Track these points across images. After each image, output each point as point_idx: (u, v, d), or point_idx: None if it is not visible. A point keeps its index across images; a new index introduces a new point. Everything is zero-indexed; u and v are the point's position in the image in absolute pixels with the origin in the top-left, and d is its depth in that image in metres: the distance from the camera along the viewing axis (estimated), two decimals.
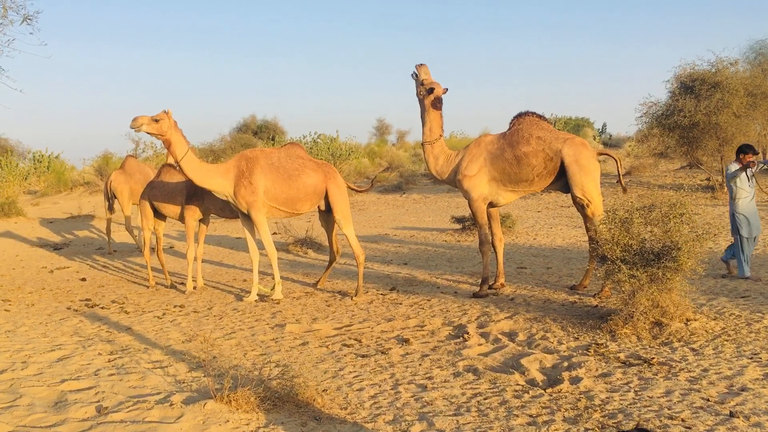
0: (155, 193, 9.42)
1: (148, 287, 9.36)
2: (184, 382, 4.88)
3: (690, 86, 15.79)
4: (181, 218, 9.30)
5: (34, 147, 35.09)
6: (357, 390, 4.79)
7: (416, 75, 8.19)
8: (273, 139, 33.84)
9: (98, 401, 4.42)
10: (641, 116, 16.84)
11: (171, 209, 9.36)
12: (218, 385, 4.59)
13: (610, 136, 36.60)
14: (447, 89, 8.18)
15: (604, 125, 39.94)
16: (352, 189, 9.30)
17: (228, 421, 4.04)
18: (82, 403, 4.38)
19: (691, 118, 15.41)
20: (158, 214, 9.61)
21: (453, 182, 8.26)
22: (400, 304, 7.66)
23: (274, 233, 14.09)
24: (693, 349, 5.35)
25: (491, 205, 8.18)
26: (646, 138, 19.50)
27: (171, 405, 4.27)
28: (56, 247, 13.85)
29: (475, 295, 7.87)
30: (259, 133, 36.87)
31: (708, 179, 17.81)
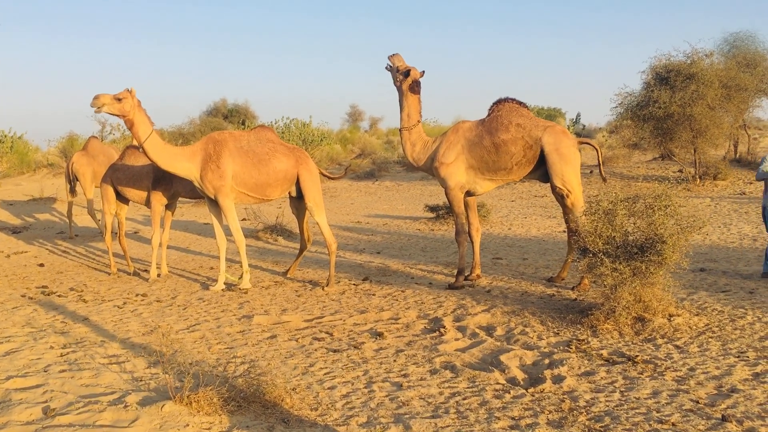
0: (119, 176, 8.97)
1: (109, 274, 8.94)
2: (141, 380, 4.53)
3: (665, 77, 15.71)
4: (147, 203, 8.88)
5: None
6: (328, 388, 4.50)
7: (390, 66, 7.88)
8: (243, 124, 33.25)
9: (46, 402, 4.05)
10: (616, 106, 16.73)
11: (136, 193, 8.93)
12: (179, 383, 4.26)
13: (584, 126, 36.64)
14: (424, 72, 7.89)
15: (578, 115, 40.02)
16: (325, 176, 8.97)
17: (188, 425, 3.72)
18: (28, 404, 4.01)
19: (666, 109, 15.34)
20: (121, 198, 9.18)
21: (430, 170, 7.99)
22: (373, 295, 7.38)
23: (244, 219, 13.70)
24: (677, 347, 5.15)
25: (468, 194, 7.93)
26: (619, 129, 19.48)
27: (125, 406, 3.92)
28: (15, 231, 13.29)
29: (451, 287, 7.62)
30: (230, 117, 36.16)
31: (681, 171, 17.82)
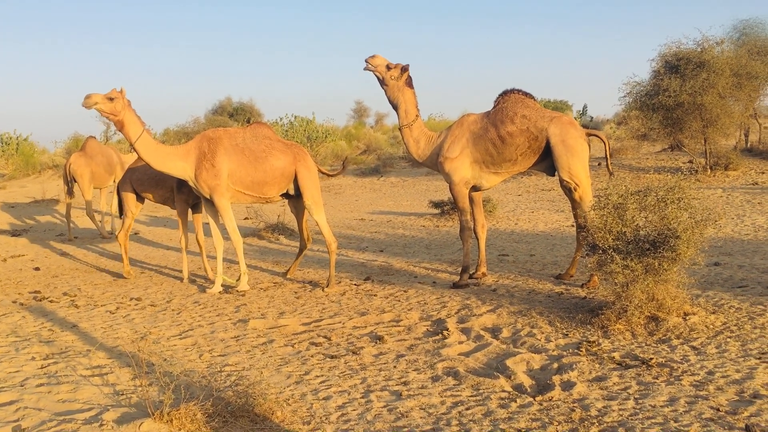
0: (140, 177, 8.63)
1: (125, 278, 8.65)
2: (123, 394, 4.27)
3: (675, 65, 15.32)
4: (172, 203, 8.59)
5: (1, 128, 33.89)
6: (323, 399, 4.23)
7: (372, 67, 7.52)
8: (249, 122, 32.99)
9: (17, 420, 3.78)
10: (624, 96, 16.37)
11: (159, 195, 8.62)
12: (163, 396, 4.00)
13: (591, 118, 36.19)
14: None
15: (585, 107, 39.57)
16: (324, 173, 8.70)
17: None
18: None
19: (676, 98, 14.97)
20: (139, 199, 8.86)
21: (434, 165, 7.71)
22: (375, 295, 7.12)
23: (246, 218, 13.46)
24: (694, 348, 4.86)
25: (474, 188, 7.65)
26: (627, 120, 19.09)
27: (101, 425, 3.65)
28: (14, 234, 13.08)
29: (455, 285, 7.35)
30: (235, 115, 35.92)
31: (691, 161, 17.43)
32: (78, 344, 5.54)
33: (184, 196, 8.39)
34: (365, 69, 7.54)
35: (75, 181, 12.26)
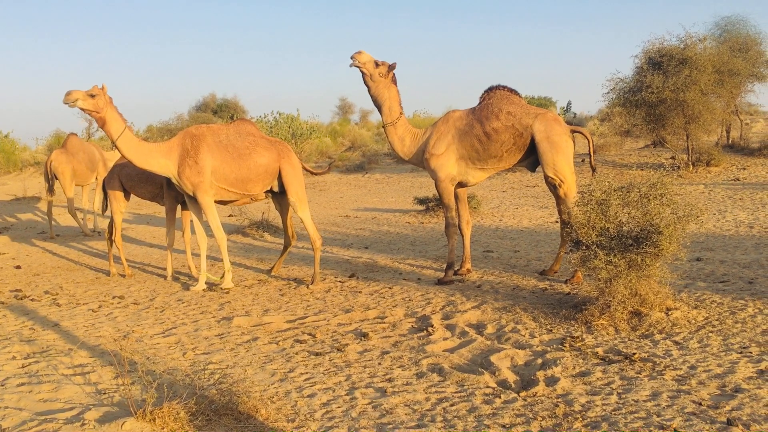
0: (129, 173, 8.51)
1: (124, 276, 8.54)
2: (105, 393, 4.23)
3: (658, 62, 15.42)
4: (161, 200, 8.48)
5: None
6: (308, 396, 4.22)
7: (358, 63, 7.47)
8: (232, 118, 32.76)
9: None
10: (608, 92, 16.45)
11: (148, 191, 8.51)
12: (145, 394, 3.97)
13: (575, 115, 36.35)
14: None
15: (569, 103, 39.72)
16: (309, 171, 8.67)
17: None
18: None
19: (659, 95, 15.07)
20: (126, 196, 8.73)
21: (420, 162, 7.70)
22: (360, 292, 7.10)
23: (230, 215, 13.39)
24: (676, 343, 4.90)
25: (460, 185, 7.66)
26: (610, 116, 19.18)
27: (82, 425, 3.61)
28: None
29: (440, 282, 7.35)
30: (219, 112, 35.67)
31: (673, 157, 17.57)
32: (59, 343, 5.49)
33: (174, 193, 8.29)
34: (351, 65, 7.49)
35: (56, 179, 12.13)
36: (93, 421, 3.67)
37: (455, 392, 4.22)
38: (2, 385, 4.39)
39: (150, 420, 3.56)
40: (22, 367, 4.82)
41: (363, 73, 7.50)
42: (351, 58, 7.44)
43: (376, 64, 7.45)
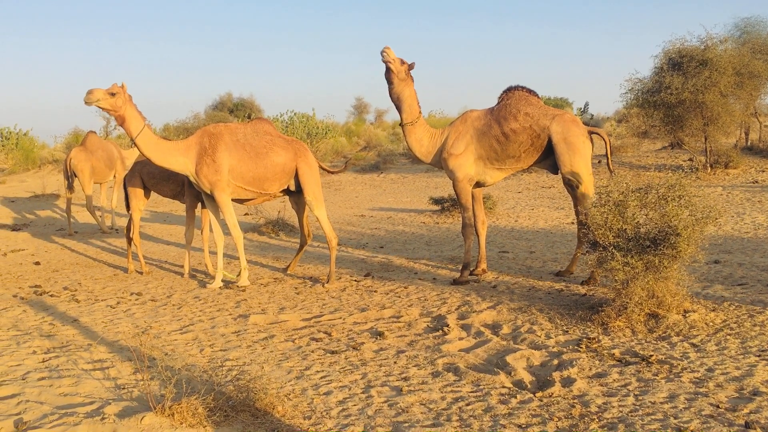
0: (150, 171, 8.58)
1: (141, 273, 8.62)
2: (124, 388, 4.28)
3: (678, 63, 15.31)
4: (182, 198, 8.54)
5: (1, 123, 33.93)
6: (324, 394, 4.24)
7: (392, 60, 7.45)
8: (249, 117, 32.95)
9: (19, 414, 3.80)
10: (626, 92, 16.35)
11: (169, 189, 8.57)
12: (164, 390, 4.01)
13: (592, 116, 36.14)
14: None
15: (586, 104, 39.44)
16: (325, 170, 8.71)
17: None
18: (0, 416, 3.77)
19: (678, 96, 14.96)
20: (146, 193, 8.80)
21: (438, 162, 7.69)
22: (375, 291, 7.12)
23: (246, 214, 13.46)
24: (694, 345, 4.87)
25: (477, 185, 7.65)
26: (627, 117, 19.06)
27: (102, 419, 3.67)
28: (14, 228, 13.08)
29: (456, 282, 7.36)
30: (235, 111, 35.86)
31: (691, 159, 17.43)
32: (79, 338, 5.56)
33: (195, 191, 8.33)
34: (383, 60, 7.37)
35: (75, 176, 12.25)
36: (113, 415, 3.72)
37: (471, 392, 4.22)
38: (23, 379, 4.46)
39: (169, 415, 3.61)
40: (43, 361, 4.88)
41: (389, 70, 7.41)
42: (381, 53, 7.35)
43: (402, 62, 7.44)
